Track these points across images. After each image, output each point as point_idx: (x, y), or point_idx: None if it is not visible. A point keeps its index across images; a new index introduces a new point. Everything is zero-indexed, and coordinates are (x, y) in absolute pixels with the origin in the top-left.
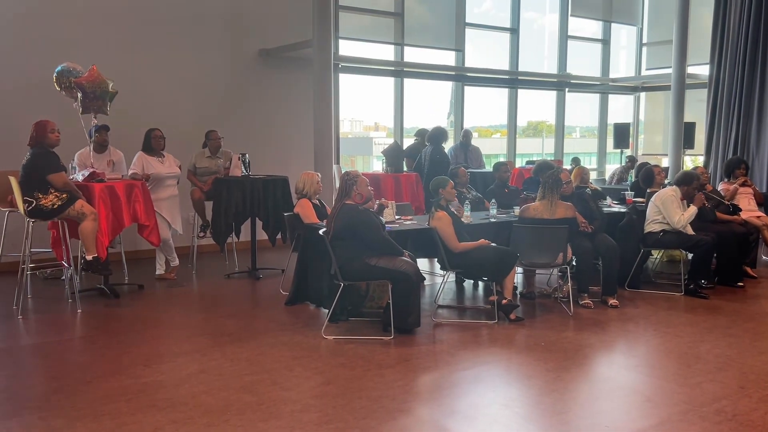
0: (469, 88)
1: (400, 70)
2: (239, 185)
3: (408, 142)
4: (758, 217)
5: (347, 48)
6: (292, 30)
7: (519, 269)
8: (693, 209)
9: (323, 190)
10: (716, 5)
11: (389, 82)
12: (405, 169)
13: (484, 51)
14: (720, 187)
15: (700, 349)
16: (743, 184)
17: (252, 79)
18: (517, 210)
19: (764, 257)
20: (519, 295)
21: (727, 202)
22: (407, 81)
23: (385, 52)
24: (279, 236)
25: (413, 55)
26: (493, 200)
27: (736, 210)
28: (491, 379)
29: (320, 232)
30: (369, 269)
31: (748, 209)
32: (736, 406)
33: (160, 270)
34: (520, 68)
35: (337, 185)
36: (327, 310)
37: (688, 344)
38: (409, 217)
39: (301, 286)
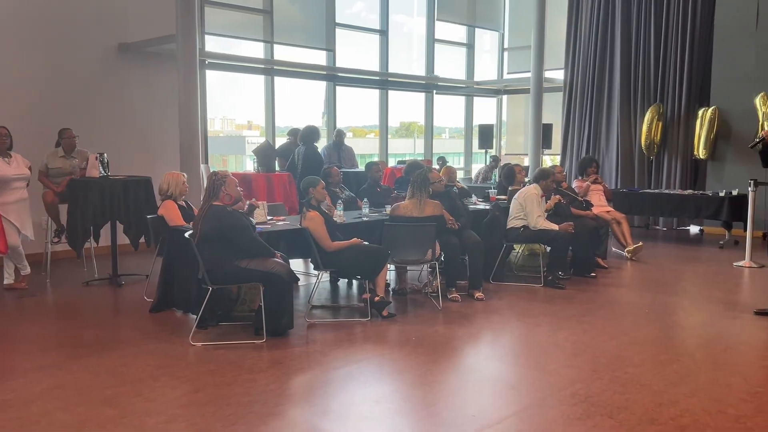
0: (342, 88)
1: (270, 68)
2: (97, 187)
3: (281, 141)
4: (608, 212)
5: (214, 44)
6: (154, 24)
7: (391, 266)
8: (548, 223)
9: (190, 191)
10: (569, 14)
11: (260, 80)
12: (277, 168)
13: (355, 52)
14: (574, 184)
15: (558, 336)
16: (594, 182)
17: (110, 74)
18: (388, 209)
19: (614, 249)
20: (391, 292)
21: (580, 199)
22: (279, 79)
23: (255, 49)
24: (142, 240)
25: (284, 53)
26: (366, 199)
27: (589, 206)
28: (364, 377)
29: (186, 234)
30: (239, 272)
31: (599, 205)
32: (589, 388)
33: (8, 279)
34: (390, 70)
35: (205, 186)
36: (195, 316)
37: (548, 333)
38: (282, 218)
39: (166, 292)
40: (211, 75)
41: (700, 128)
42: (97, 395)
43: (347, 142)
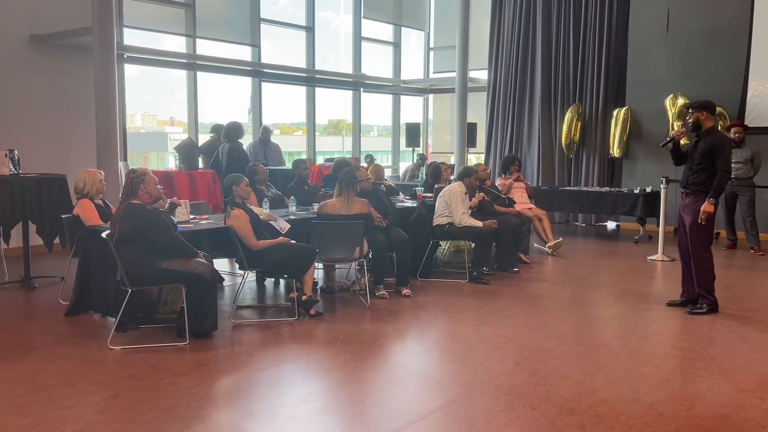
0: (268, 85)
1: (192, 63)
2: (6, 185)
3: (204, 138)
4: (530, 209)
5: (134, 37)
6: (69, 15)
7: (319, 265)
8: (472, 220)
9: (108, 189)
10: (492, 16)
11: (182, 75)
12: (201, 166)
13: (281, 48)
14: (498, 182)
15: (483, 331)
16: (517, 180)
17: (21, 67)
18: (316, 207)
19: (535, 245)
20: (319, 291)
21: (503, 196)
22: (203, 75)
23: (177, 43)
24: (57, 240)
25: (207, 48)
26: (293, 197)
27: (511, 203)
28: (290, 377)
29: (103, 234)
30: (160, 273)
31: (522, 202)
32: (512, 381)
33: None
34: (317, 67)
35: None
36: (114, 319)
37: (472, 327)
38: (205, 217)
39: (83, 294)
40: (131, 69)
41: (615, 128)
42: (6, 404)
43: (274, 139)
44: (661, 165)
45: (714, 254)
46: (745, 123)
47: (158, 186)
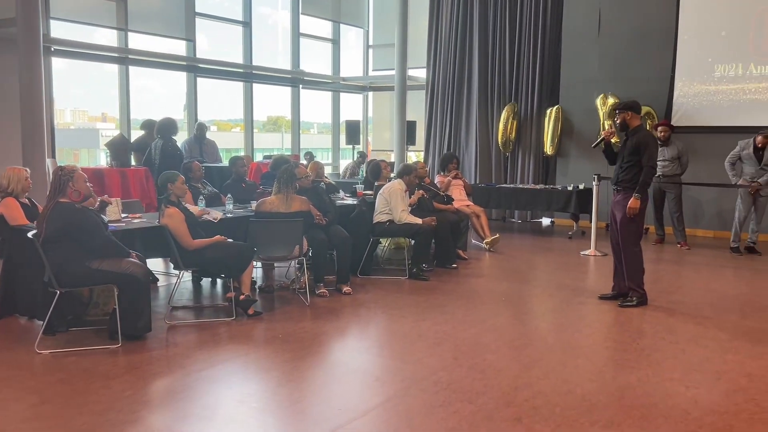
0: (203, 80)
1: (124, 57)
2: None
3: (137, 134)
4: (468, 206)
5: (63, 30)
6: None
7: (257, 263)
8: (412, 217)
9: (34, 187)
10: (430, 15)
11: (114, 69)
12: (133, 163)
13: (218, 43)
14: (436, 179)
15: (422, 326)
16: (455, 177)
17: None
18: (254, 204)
19: (473, 241)
20: (258, 290)
21: (442, 193)
22: (135, 69)
23: (108, 37)
24: None
25: (139, 42)
26: (229, 195)
27: (450, 200)
28: (228, 378)
29: (30, 234)
30: (90, 273)
31: (460, 199)
32: (450, 376)
33: None
34: (255, 62)
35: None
36: (41, 322)
37: (412, 323)
38: (138, 215)
39: (8, 297)
40: (59, 63)
41: (548, 127)
42: None
43: (211, 136)
44: (593, 163)
45: (643, 249)
46: (672, 122)
47: (88, 184)
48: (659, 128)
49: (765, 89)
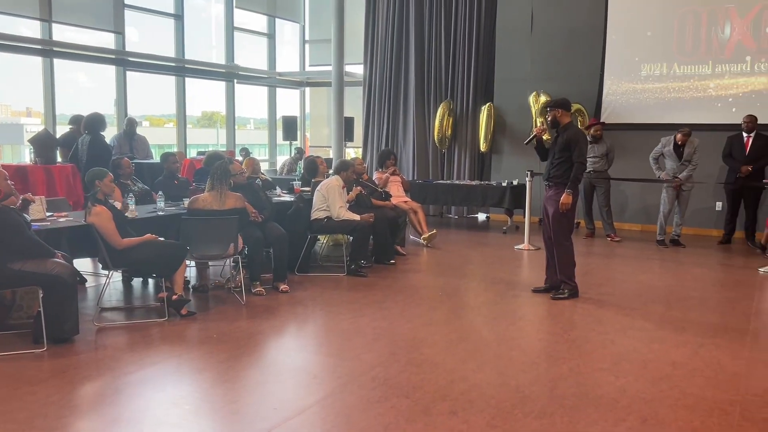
0: (133, 74)
1: (48, 50)
2: None
3: (63, 130)
4: (405, 201)
5: None
6: None
7: (191, 262)
8: (350, 214)
9: None
10: (366, 11)
11: (38, 62)
12: (59, 160)
13: (148, 36)
14: (374, 176)
15: (360, 323)
16: (393, 173)
17: None
18: (186, 202)
19: (411, 237)
20: (192, 289)
21: (380, 190)
22: (60, 62)
23: (31, 28)
24: None
25: (65, 34)
26: (161, 192)
27: (388, 196)
28: (160, 380)
29: None
30: (12, 275)
31: (397, 195)
32: (387, 371)
33: None
34: (187, 56)
35: None
36: None
37: (350, 320)
38: (64, 214)
39: None
40: None
41: (482, 124)
42: None
43: (142, 131)
44: (526, 159)
45: (574, 242)
46: (601, 119)
47: (8, 182)
48: (593, 127)
49: (687, 88)
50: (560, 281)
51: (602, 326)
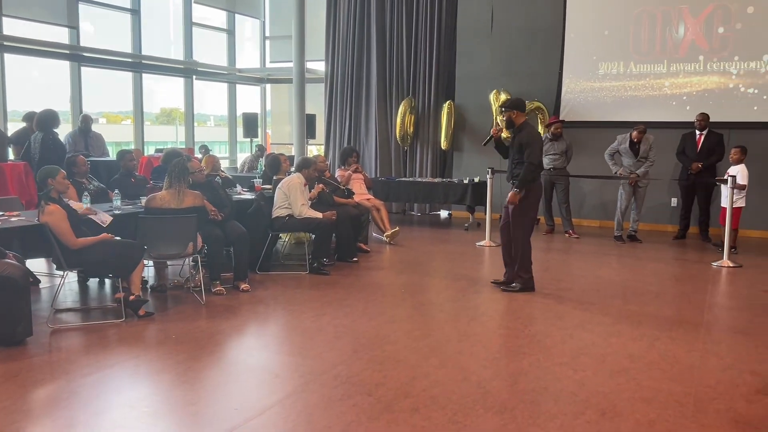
0: (89, 70)
1: None
2: None
3: (15, 127)
4: (368, 199)
5: None
6: None
7: (149, 262)
8: (312, 212)
9: None
10: (327, 7)
11: None
12: (11, 157)
13: (104, 30)
14: (337, 173)
15: (322, 321)
16: (356, 171)
17: None
18: (143, 200)
19: (374, 234)
20: (150, 289)
21: (342, 187)
22: (11, 57)
23: None
24: None
25: (16, 28)
26: (117, 191)
27: (350, 194)
28: (117, 382)
29: None
30: None
31: (360, 193)
32: (350, 369)
33: None
34: (144, 52)
35: None
36: None
37: (312, 318)
38: (16, 213)
39: None
40: None
41: (443, 122)
42: None
43: (99, 128)
44: (487, 157)
45: (534, 238)
46: (560, 117)
47: None
48: (553, 125)
49: (643, 87)
50: (517, 276)
51: (562, 321)
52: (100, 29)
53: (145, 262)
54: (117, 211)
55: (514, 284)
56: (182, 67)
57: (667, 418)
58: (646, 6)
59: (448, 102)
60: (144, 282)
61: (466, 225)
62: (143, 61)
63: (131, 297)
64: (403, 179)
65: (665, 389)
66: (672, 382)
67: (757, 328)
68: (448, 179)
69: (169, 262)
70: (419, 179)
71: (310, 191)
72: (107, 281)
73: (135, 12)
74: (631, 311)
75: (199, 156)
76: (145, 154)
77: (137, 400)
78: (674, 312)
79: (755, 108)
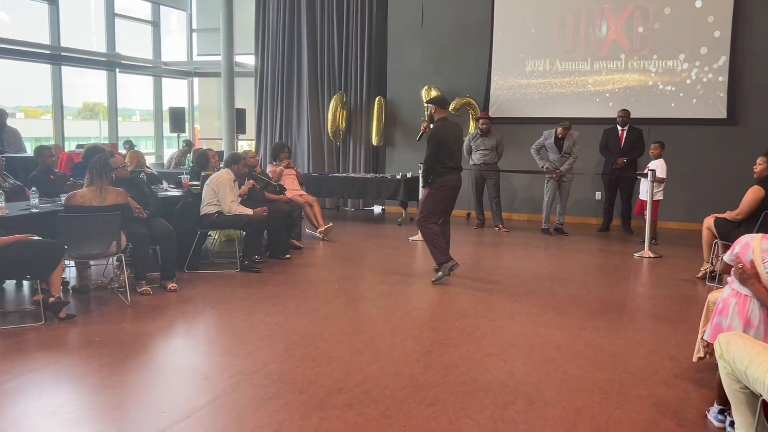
0: (5, 62)
1: None
2: None
3: None
4: (300, 195)
5: None
6: None
7: (70, 262)
8: (242, 208)
9: None
10: (257, 0)
11: None
12: None
13: (19, 21)
14: (268, 169)
15: (253, 319)
16: (287, 166)
17: None
18: (63, 198)
19: (307, 230)
20: (71, 291)
21: (274, 183)
22: None
23: None
24: None
25: None
26: (34, 188)
27: (282, 190)
28: (36, 388)
29: None
30: None
31: (292, 189)
32: (282, 367)
33: None
34: (63, 43)
35: None
36: None
37: (242, 317)
38: None
39: None
40: None
41: (374, 117)
42: None
43: (18, 123)
44: (419, 152)
45: (465, 232)
46: (490, 113)
47: None
48: (481, 121)
49: (568, 84)
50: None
51: (492, 313)
52: (16, 19)
53: (66, 262)
54: (34, 210)
55: (439, 274)
56: (104, 59)
57: (592, 405)
58: (570, 5)
59: (378, 98)
60: (65, 283)
61: (399, 220)
62: (62, 53)
63: (51, 299)
64: (336, 175)
65: (590, 377)
66: (597, 370)
67: (675, 316)
68: (381, 175)
69: (91, 262)
70: (352, 175)
71: (240, 187)
72: (25, 283)
73: (53, 1)
74: (558, 302)
75: (123, 152)
76: (66, 150)
77: (58, 407)
78: (599, 302)
79: (672, 105)
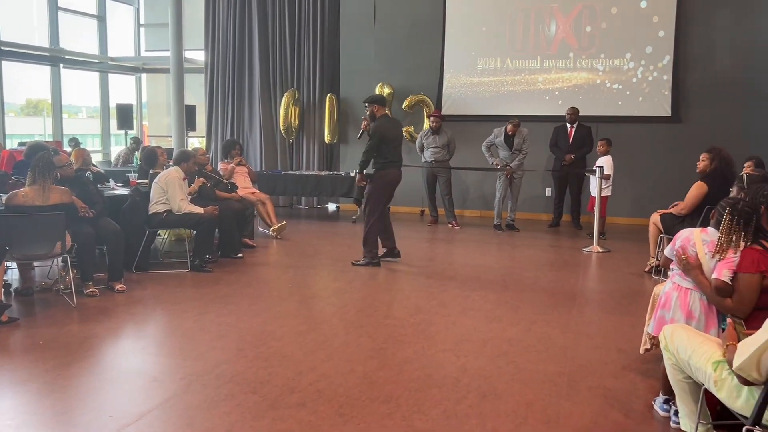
0: None
1: None
2: None
3: None
4: (253, 193)
5: None
6: None
7: (11, 264)
8: (192, 207)
9: None
10: None
11: None
12: None
13: None
14: (219, 166)
15: (204, 320)
16: (239, 164)
17: None
18: (4, 198)
19: (260, 229)
20: (13, 293)
21: (225, 181)
22: None
23: None
24: None
25: None
26: None
27: (234, 188)
28: None
29: None
30: None
31: (244, 186)
32: (234, 368)
33: None
34: (4, 38)
35: None
36: None
37: (194, 318)
38: None
39: None
40: None
41: (326, 115)
42: None
43: None
44: None
45: (419, 229)
46: (443, 111)
47: None
48: (431, 118)
49: (519, 82)
50: (392, 248)
51: (445, 309)
52: None
53: (8, 263)
54: None
55: (359, 260)
56: (47, 54)
57: (543, 398)
58: (520, 4)
59: (329, 95)
60: (6, 285)
61: (354, 217)
62: (2, 48)
63: None
64: (289, 172)
65: (541, 370)
66: (547, 363)
67: (623, 309)
68: (335, 172)
69: (35, 263)
70: (306, 172)
71: (189, 185)
72: None
73: None
74: (510, 297)
75: (69, 149)
76: (7, 147)
77: (1, 413)
78: (549, 296)
79: (619, 103)
